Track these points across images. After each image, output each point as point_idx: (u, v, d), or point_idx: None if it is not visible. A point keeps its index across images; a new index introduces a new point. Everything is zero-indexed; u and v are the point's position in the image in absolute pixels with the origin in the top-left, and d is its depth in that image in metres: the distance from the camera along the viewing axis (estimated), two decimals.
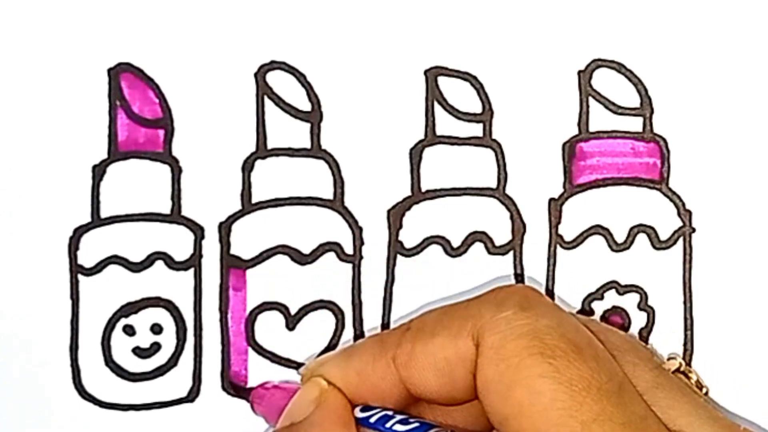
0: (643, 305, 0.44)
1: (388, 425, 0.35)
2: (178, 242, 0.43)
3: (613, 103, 0.44)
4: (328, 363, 0.36)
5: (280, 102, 0.43)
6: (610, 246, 0.44)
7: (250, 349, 0.43)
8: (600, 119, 0.44)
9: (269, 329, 0.43)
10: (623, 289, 0.44)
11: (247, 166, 0.43)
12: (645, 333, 0.44)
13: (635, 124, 0.44)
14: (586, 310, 0.44)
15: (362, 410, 0.35)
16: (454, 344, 0.33)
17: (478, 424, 0.35)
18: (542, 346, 0.32)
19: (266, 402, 0.39)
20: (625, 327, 0.44)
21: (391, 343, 0.35)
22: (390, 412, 0.35)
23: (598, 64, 0.44)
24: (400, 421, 0.34)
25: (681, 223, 0.44)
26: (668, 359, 0.38)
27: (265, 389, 0.40)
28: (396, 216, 0.43)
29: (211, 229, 0.43)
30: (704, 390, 0.38)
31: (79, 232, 0.43)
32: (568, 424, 0.30)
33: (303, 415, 0.35)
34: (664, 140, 0.44)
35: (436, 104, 0.43)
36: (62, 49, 0.42)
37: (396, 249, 0.43)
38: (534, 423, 0.31)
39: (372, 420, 0.35)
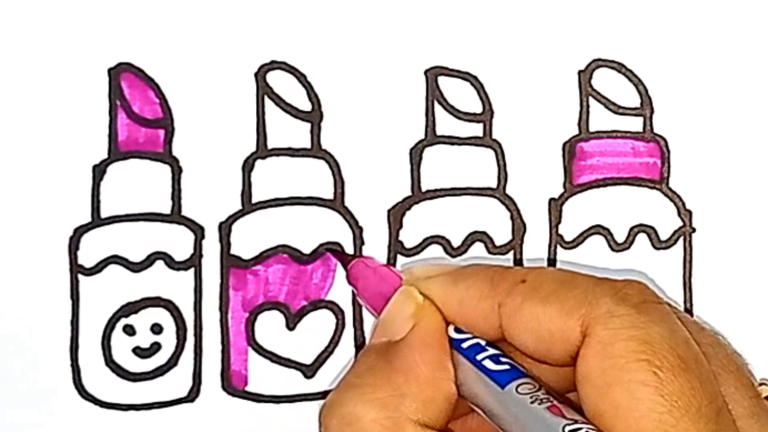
0: None
1: (478, 357, 0.34)
2: (178, 242, 0.43)
3: (613, 103, 0.44)
4: (433, 281, 0.36)
5: (280, 102, 0.43)
6: (610, 246, 0.44)
7: (250, 349, 0.43)
8: (600, 119, 0.44)
9: (269, 329, 0.43)
10: None
11: (248, 166, 0.43)
12: None
13: (635, 124, 0.44)
14: None
15: (456, 331, 0.35)
16: (562, 321, 0.33)
17: (561, 381, 0.35)
18: (651, 354, 0.31)
19: (362, 282, 0.38)
20: None
21: (502, 289, 0.34)
22: (483, 342, 0.34)
23: (598, 64, 0.44)
24: (491, 357, 0.34)
25: (681, 223, 0.44)
26: (759, 385, 0.39)
27: (367, 268, 0.38)
28: (396, 216, 0.43)
29: (211, 229, 0.43)
30: None
31: (79, 232, 0.43)
32: None
33: (400, 334, 0.35)
34: (664, 140, 0.44)
35: (436, 104, 0.43)
36: (62, 49, 0.42)
37: (396, 249, 0.43)
38: (628, 427, 0.31)
39: (464, 345, 0.34)
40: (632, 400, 0.31)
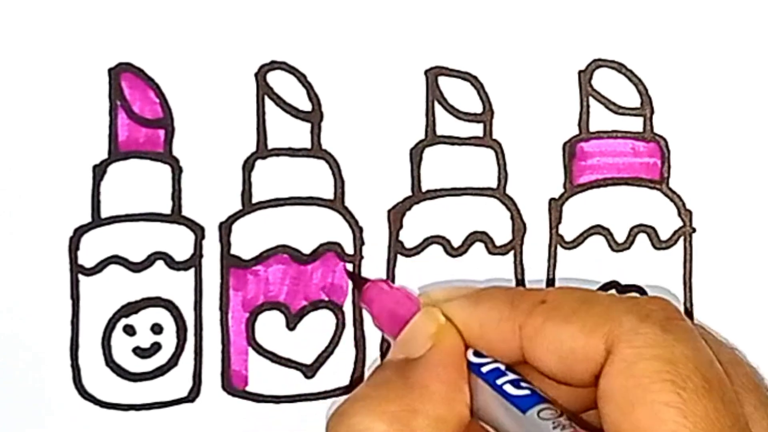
0: None
1: (498, 382, 0.34)
2: (178, 242, 0.43)
3: (614, 103, 0.44)
4: (454, 303, 0.36)
5: (280, 102, 0.43)
6: (610, 246, 0.44)
7: (250, 349, 0.43)
8: (600, 119, 0.44)
9: (269, 329, 0.43)
10: (623, 289, 0.44)
11: (248, 166, 0.43)
12: None
13: (635, 124, 0.44)
14: None
15: (475, 355, 0.35)
16: (585, 340, 0.33)
17: (580, 404, 0.34)
18: (675, 375, 0.31)
19: (377, 304, 0.37)
20: None
21: (522, 310, 0.34)
22: (502, 367, 0.34)
23: (598, 64, 0.44)
24: (512, 382, 0.34)
25: (681, 223, 0.44)
26: None
27: (382, 290, 0.38)
28: (396, 216, 0.43)
29: (211, 229, 0.43)
30: None
31: (79, 232, 0.43)
32: None
33: (419, 352, 0.35)
34: (664, 140, 0.44)
35: (436, 104, 0.43)
36: (62, 49, 0.42)
37: (396, 249, 0.43)
38: None
39: (484, 370, 0.34)
40: (655, 420, 0.31)
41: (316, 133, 0.43)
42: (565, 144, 0.44)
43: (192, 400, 0.43)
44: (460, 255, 0.43)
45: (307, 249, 0.43)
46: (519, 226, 0.44)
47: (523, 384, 0.34)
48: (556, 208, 0.44)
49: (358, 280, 0.41)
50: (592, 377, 0.32)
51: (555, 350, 0.33)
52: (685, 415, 0.31)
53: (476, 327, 0.35)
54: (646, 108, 0.44)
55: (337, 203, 0.43)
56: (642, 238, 0.44)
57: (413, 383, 0.34)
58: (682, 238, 0.44)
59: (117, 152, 0.43)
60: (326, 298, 0.43)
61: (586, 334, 0.33)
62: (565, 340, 0.33)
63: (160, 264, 0.43)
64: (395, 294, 0.37)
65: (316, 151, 0.43)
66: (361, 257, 0.43)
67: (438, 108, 0.43)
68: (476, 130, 0.43)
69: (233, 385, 0.43)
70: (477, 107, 0.43)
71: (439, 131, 0.43)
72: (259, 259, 0.43)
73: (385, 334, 0.39)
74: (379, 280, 0.38)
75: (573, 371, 0.33)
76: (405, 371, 0.34)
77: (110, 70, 0.43)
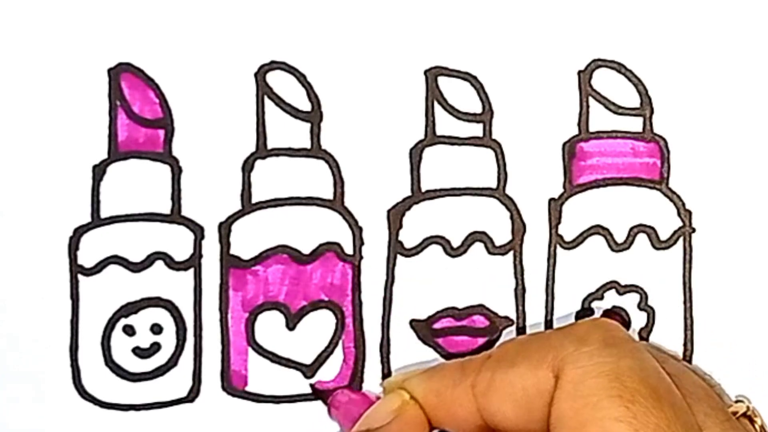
0: (643, 305, 0.44)
1: None
2: (178, 242, 0.43)
3: (613, 103, 0.44)
4: (412, 379, 0.37)
5: (280, 102, 0.43)
6: (610, 246, 0.44)
7: (250, 349, 0.43)
8: (600, 119, 0.44)
9: (269, 329, 0.43)
10: (623, 289, 0.44)
11: (247, 166, 0.43)
12: (645, 333, 0.44)
13: (635, 124, 0.44)
14: (585, 310, 0.44)
15: None
16: (533, 374, 0.33)
17: None
18: (622, 389, 0.31)
19: (344, 409, 0.40)
20: (625, 327, 0.44)
21: (472, 369, 0.35)
22: None
23: (598, 64, 0.44)
24: None
25: (681, 223, 0.44)
26: (736, 401, 0.39)
27: (346, 396, 0.40)
28: (396, 216, 0.43)
29: (211, 229, 0.43)
30: None
31: (79, 232, 0.43)
32: None
33: (381, 423, 0.36)
34: (664, 140, 0.44)
35: (436, 104, 0.43)
36: (62, 49, 0.42)
37: (396, 249, 0.43)
38: None
39: None
40: None
41: (315, 133, 0.43)
42: (564, 144, 0.44)
43: (192, 400, 0.43)
44: (460, 255, 0.43)
45: (306, 249, 0.43)
46: (519, 226, 0.44)
47: None
48: (555, 208, 0.44)
49: (322, 394, 0.43)
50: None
51: (509, 396, 0.34)
52: (635, 428, 0.31)
53: (434, 398, 0.36)
54: (645, 108, 0.44)
55: (336, 203, 0.43)
56: (642, 238, 0.44)
57: None
58: (681, 238, 0.44)
59: (117, 152, 0.43)
60: (326, 298, 0.43)
61: (533, 369, 0.33)
62: (515, 382, 0.34)
63: (159, 264, 0.43)
64: (355, 399, 0.40)
65: (315, 151, 0.43)
66: (361, 257, 0.43)
67: (438, 108, 0.43)
68: (476, 130, 0.43)
69: (233, 385, 0.43)
70: (477, 107, 0.43)
71: (439, 131, 0.43)
72: (259, 259, 0.43)
73: None
74: (341, 390, 0.41)
75: (531, 412, 0.33)
76: None
77: (110, 70, 0.43)
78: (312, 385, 0.43)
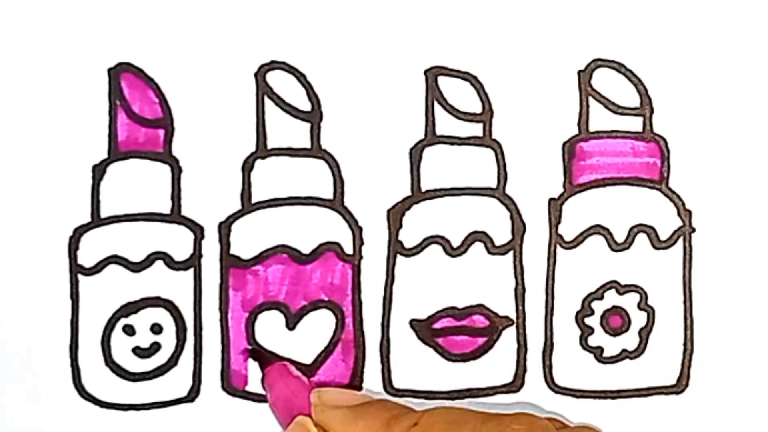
0: (643, 305, 0.44)
1: None
2: (178, 242, 0.43)
3: (613, 103, 0.44)
4: (335, 414, 0.38)
5: (280, 102, 0.43)
6: (610, 246, 0.44)
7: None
8: (600, 119, 0.44)
9: (269, 329, 0.43)
10: (623, 289, 0.44)
11: (247, 166, 0.43)
12: (645, 333, 0.44)
13: (635, 124, 0.44)
14: (585, 310, 0.44)
15: None
16: None
17: None
18: None
19: (276, 390, 0.41)
20: (626, 327, 0.44)
21: (397, 431, 0.36)
22: None
23: (598, 64, 0.44)
24: None
25: (681, 223, 0.44)
26: None
27: (281, 376, 0.41)
28: (396, 216, 0.43)
29: (211, 229, 0.43)
30: None
31: (79, 232, 0.43)
32: None
33: None
34: (664, 140, 0.44)
35: (436, 104, 0.43)
36: (62, 49, 0.42)
37: (396, 249, 0.43)
38: None
39: None
40: None
41: (315, 133, 0.43)
42: (564, 144, 0.44)
43: (192, 400, 0.43)
44: (460, 255, 0.43)
45: (306, 249, 0.43)
46: (518, 226, 0.44)
47: None
48: (555, 207, 0.44)
49: (262, 358, 0.43)
50: None
51: None
52: None
53: None
54: (645, 108, 0.44)
55: (336, 203, 0.43)
56: (642, 238, 0.44)
57: None
58: (681, 238, 0.44)
59: (117, 152, 0.43)
60: (326, 298, 0.43)
61: None
62: None
63: (159, 264, 0.43)
64: (291, 384, 0.41)
65: (315, 151, 0.43)
66: (361, 257, 0.43)
67: (437, 108, 0.43)
68: (476, 130, 0.43)
69: (233, 385, 0.43)
70: (477, 107, 0.43)
71: (439, 131, 0.43)
72: (259, 259, 0.43)
73: (277, 421, 0.41)
74: (281, 363, 0.41)
75: None
76: None
77: (110, 70, 0.43)
78: (251, 349, 0.43)
